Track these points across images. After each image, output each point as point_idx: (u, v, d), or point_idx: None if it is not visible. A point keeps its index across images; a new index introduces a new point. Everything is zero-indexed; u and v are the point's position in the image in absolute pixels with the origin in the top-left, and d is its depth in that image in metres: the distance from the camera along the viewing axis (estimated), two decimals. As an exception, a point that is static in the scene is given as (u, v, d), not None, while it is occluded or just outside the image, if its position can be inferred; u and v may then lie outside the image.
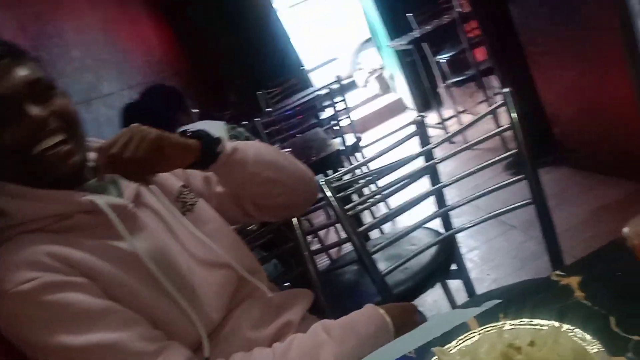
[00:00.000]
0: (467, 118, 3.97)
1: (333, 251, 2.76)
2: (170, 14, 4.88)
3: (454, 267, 1.58)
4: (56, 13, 2.90)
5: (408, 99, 5.28)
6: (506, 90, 1.22)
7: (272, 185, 1.00)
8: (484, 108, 3.68)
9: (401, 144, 1.34)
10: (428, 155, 1.40)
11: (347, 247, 2.83)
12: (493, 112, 1.32)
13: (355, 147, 3.57)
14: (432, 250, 1.51)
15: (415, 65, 4.27)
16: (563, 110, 2.72)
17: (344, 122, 3.65)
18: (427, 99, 4.54)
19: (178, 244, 0.95)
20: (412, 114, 5.13)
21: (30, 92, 0.84)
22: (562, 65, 2.57)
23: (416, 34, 3.98)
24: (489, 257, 2.44)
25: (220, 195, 1.07)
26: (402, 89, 5.40)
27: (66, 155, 0.85)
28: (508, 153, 1.24)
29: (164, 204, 0.97)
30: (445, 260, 1.54)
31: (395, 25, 4.66)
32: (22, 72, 0.84)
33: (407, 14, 4.15)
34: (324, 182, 1.25)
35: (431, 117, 4.33)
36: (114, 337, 0.79)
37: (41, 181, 0.86)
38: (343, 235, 2.91)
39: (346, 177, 1.35)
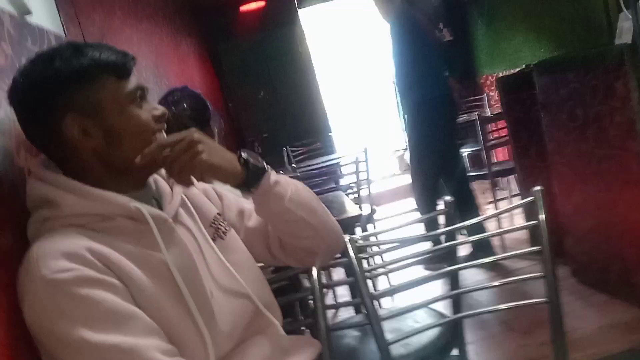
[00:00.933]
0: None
1: (329, 311, 2.72)
2: (216, 60, 5.09)
3: (455, 352, 1.58)
4: (116, 42, 3.04)
5: None
6: (538, 188, 1.27)
7: (302, 226, 1.03)
8: (492, 205, 3.73)
9: (433, 217, 1.38)
10: (450, 236, 1.45)
11: (344, 311, 2.85)
12: (522, 206, 1.37)
13: (370, 218, 3.61)
14: (436, 330, 1.52)
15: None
16: (578, 223, 2.77)
17: (363, 192, 3.72)
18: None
19: (205, 267, 0.97)
20: None
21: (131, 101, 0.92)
22: (583, 180, 2.64)
23: None
24: (485, 355, 2.40)
25: (250, 230, 1.10)
26: None
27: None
28: (532, 249, 1.28)
29: (198, 226, 1.00)
30: (446, 345, 1.54)
31: None
32: (124, 83, 0.93)
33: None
34: (348, 240, 1.29)
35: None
36: (133, 342, 0.79)
37: (91, 180, 0.90)
38: (344, 297, 2.94)
39: (370, 240, 1.39)
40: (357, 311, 1.99)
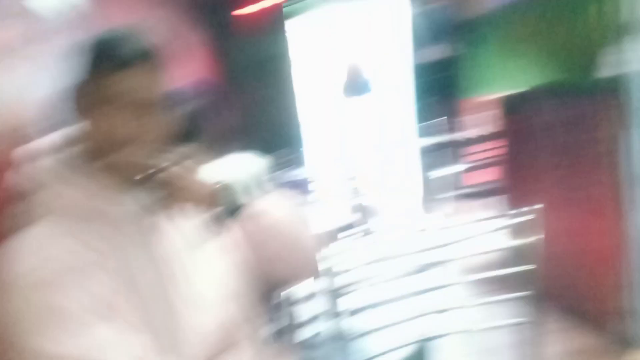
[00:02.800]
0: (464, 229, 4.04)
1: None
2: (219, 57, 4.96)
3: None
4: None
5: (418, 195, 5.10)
6: (539, 206, 1.24)
7: (281, 258, 1.03)
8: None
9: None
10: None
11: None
12: (518, 225, 1.35)
13: (346, 228, 3.53)
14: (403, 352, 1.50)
15: (433, 168, 4.24)
16: (549, 248, 2.82)
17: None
18: (434, 201, 4.32)
19: (189, 271, 0.95)
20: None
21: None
22: (556, 206, 2.64)
23: (441, 139, 4.19)
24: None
25: (229, 261, 1.08)
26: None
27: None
28: (520, 268, 1.26)
29: (187, 229, 0.98)
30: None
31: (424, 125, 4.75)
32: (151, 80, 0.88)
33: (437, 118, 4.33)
34: (322, 257, 1.27)
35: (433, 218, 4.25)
36: (113, 334, 0.77)
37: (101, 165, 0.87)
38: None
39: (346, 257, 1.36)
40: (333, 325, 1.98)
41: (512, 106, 3.14)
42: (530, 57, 3.98)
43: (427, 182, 4.48)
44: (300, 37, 5.10)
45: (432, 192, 4.23)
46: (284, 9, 5.03)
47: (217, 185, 0.94)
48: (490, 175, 4.27)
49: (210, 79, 4.73)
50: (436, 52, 4.83)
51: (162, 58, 0.85)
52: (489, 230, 1.50)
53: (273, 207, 1.02)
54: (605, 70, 2.21)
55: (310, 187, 3.77)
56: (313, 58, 5.12)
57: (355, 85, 4.06)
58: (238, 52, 4.93)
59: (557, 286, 2.76)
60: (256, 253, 1.03)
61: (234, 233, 1.01)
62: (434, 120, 4.51)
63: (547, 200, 2.73)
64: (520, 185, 3.10)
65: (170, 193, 0.87)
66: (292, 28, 5.04)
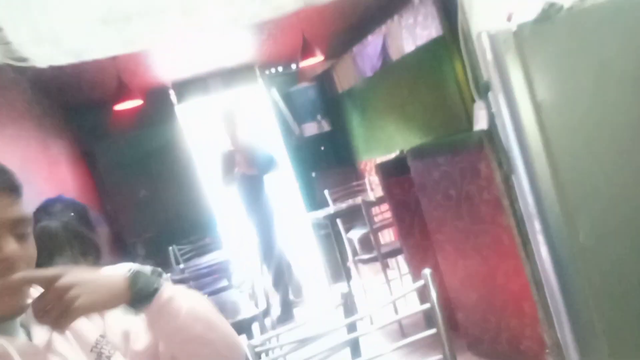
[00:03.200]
0: (372, 294, 4.03)
1: None
2: (91, 161, 4.84)
3: None
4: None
5: (319, 268, 5.23)
6: (427, 270, 1.30)
7: (199, 344, 0.97)
8: (385, 285, 3.74)
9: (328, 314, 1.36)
10: (351, 327, 1.42)
11: None
12: (414, 290, 1.39)
13: (267, 312, 3.41)
14: None
15: (329, 239, 4.40)
16: (466, 296, 2.85)
17: (257, 285, 3.63)
18: (336, 271, 4.60)
19: None
20: (320, 284, 5.10)
21: (12, 229, 0.83)
22: (463, 255, 2.75)
23: (332, 209, 4.19)
24: None
25: (137, 354, 1.02)
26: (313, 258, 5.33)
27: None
28: (428, 332, 1.29)
29: (77, 353, 0.91)
30: None
31: (312, 199, 4.91)
32: (14, 206, 0.84)
33: (324, 190, 4.43)
34: (247, 346, 1.22)
35: (340, 288, 4.29)
36: None
37: None
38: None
39: (269, 342, 1.32)
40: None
41: (389, 170, 3.33)
42: (400, 123, 4.44)
43: (331, 250, 4.57)
44: (191, 123, 5.11)
45: (340, 258, 4.28)
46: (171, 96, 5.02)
47: (129, 272, 0.91)
48: (392, 236, 4.46)
49: (86, 187, 4.61)
50: (312, 127, 5.10)
51: (16, 181, 0.85)
52: (396, 297, 1.52)
53: (182, 296, 0.98)
54: (475, 124, 2.38)
55: (229, 270, 3.66)
56: (206, 142, 5.16)
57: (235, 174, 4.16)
58: (125, 148, 4.89)
59: (478, 332, 2.82)
60: (169, 344, 0.98)
61: (146, 323, 0.97)
62: (328, 190, 4.63)
63: (452, 251, 2.85)
64: (421, 243, 3.19)
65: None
66: (182, 114, 5.04)
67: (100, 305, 0.86)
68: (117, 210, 4.82)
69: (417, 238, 3.18)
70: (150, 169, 4.92)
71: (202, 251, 4.47)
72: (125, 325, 1.04)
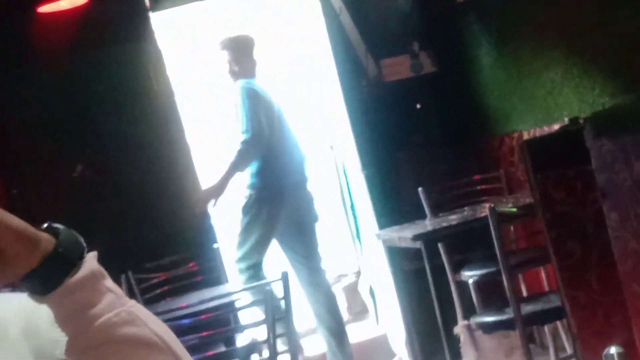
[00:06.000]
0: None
1: None
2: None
3: None
4: None
5: (399, 338, 3.69)
6: (614, 349, 1.03)
7: None
8: None
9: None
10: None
11: None
12: None
13: None
14: None
15: (421, 280, 3.03)
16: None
17: None
18: (434, 343, 3.15)
19: None
20: None
21: None
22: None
23: (428, 224, 2.94)
24: None
25: None
26: (390, 318, 3.77)
27: None
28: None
29: None
30: None
31: (391, 205, 3.49)
32: None
33: (419, 188, 3.09)
34: None
35: None
36: None
37: None
38: None
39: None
40: None
41: (546, 154, 2.59)
42: (573, 67, 3.27)
43: (423, 303, 3.16)
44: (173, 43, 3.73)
45: (440, 319, 3.05)
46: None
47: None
48: (544, 283, 3.27)
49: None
50: (401, 65, 3.61)
51: None
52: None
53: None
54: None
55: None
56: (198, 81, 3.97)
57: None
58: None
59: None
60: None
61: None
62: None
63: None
64: (602, 298, 2.54)
65: None
66: (159, 27, 3.51)
67: (12, 230, 0.62)
68: (30, 198, 3.30)
69: (596, 288, 2.48)
70: (96, 125, 3.30)
71: (184, 287, 3.01)
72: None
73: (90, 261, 0.66)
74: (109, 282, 0.66)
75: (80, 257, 0.64)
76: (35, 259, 0.60)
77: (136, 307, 0.66)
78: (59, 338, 1.20)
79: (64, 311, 0.63)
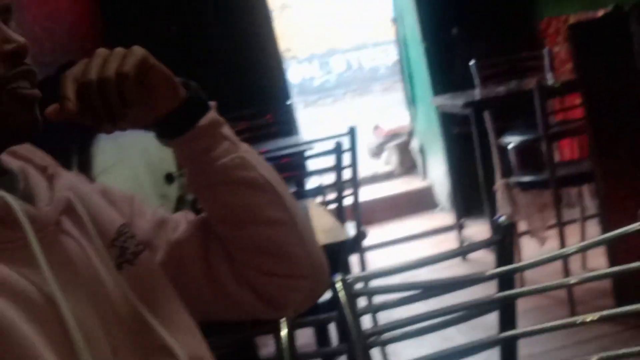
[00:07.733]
0: (530, 242, 2.94)
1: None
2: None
3: None
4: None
5: (443, 191, 3.92)
6: None
7: (265, 223, 0.71)
8: (555, 230, 2.74)
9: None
10: (505, 280, 1.02)
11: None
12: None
13: (355, 245, 2.59)
14: None
15: (466, 143, 3.14)
16: None
17: (346, 201, 2.68)
18: (473, 197, 3.34)
19: (105, 309, 0.66)
20: (445, 217, 3.82)
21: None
22: None
23: (478, 94, 3.01)
24: None
25: (179, 245, 0.76)
26: (436, 174, 3.96)
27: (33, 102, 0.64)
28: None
29: (94, 245, 0.68)
30: None
31: (447, 74, 3.57)
32: None
33: (470, 62, 3.17)
34: (339, 282, 0.94)
35: (475, 229, 3.28)
36: None
37: None
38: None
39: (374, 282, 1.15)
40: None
41: (590, 37, 2.55)
42: None
43: (466, 163, 3.42)
44: None
45: (482, 177, 3.19)
46: None
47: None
48: (577, 151, 3.46)
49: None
50: None
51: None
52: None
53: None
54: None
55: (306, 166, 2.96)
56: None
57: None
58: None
59: None
60: (225, 212, 0.74)
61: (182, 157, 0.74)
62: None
63: None
64: (630, 167, 2.51)
65: None
66: None
67: (164, 74, 0.65)
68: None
69: (625, 159, 2.51)
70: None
71: (262, 135, 3.25)
72: (159, 213, 0.80)
73: (212, 110, 0.70)
74: (226, 130, 0.70)
75: (206, 106, 0.69)
76: (176, 102, 0.64)
77: (248, 153, 0.71)
78: (165, 156, 1.46)
79: (188, 153, 0.68)
